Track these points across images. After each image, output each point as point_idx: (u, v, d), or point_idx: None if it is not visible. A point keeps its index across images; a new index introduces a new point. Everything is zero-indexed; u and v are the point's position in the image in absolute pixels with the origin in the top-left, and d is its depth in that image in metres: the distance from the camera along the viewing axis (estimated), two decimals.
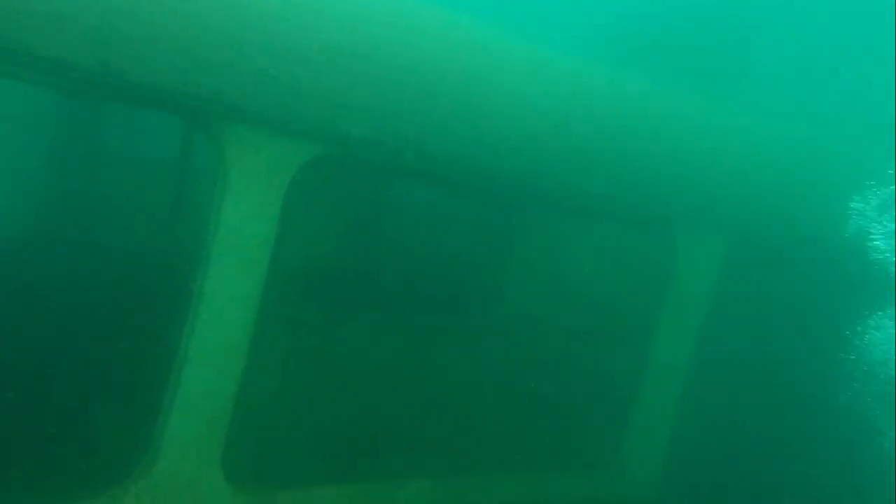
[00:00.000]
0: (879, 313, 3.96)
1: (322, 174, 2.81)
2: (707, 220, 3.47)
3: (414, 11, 2.69)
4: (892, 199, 3.96)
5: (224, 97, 2.10)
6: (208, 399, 2.26)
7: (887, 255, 4.10)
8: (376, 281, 2.89)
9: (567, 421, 3.37)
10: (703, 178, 3.36)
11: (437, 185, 3.04)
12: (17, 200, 3.36)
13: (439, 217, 3.22)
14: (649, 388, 3.52)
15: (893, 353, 4.03)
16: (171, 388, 2.18)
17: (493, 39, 2.92)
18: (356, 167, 2.76)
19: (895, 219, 4.10)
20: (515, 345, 3.16)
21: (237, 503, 2.39)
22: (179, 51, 2.00)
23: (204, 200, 2.28)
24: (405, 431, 2.86)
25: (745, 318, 3.70)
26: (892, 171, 3.89)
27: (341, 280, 2.85)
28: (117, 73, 1.91)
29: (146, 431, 2.18)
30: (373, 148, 2.53)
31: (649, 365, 3.49)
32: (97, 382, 2.80)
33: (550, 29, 6.44)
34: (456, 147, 2.65)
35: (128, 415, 2.61)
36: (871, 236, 4.13)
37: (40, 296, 2.97)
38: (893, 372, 4.20)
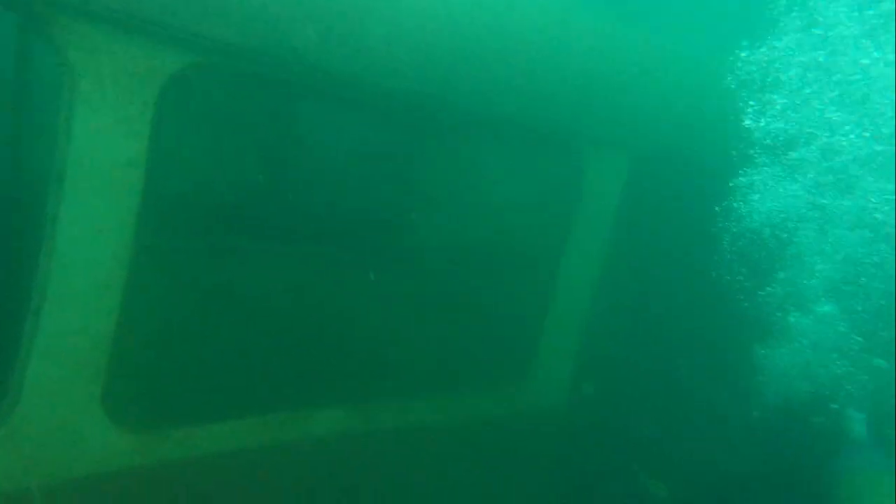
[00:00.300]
0: None
1: (202, 88, 2.53)
2: (612, 139, 3.37)
3: None
4: None
5: None
6: (79, 337, 2.07)
7: None
8: (271, 207, 2.68)
9: (477, 341, 3.29)
10: (608, 96, 3.24)
11: (332, 105, 2.80)
12: None
13: (337, 139, 2.98)
14: (558, 306, 3.49)
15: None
16: (31, 328, 1.98)
17: None
18: (242, 81, 2.50)
19: None
20: (422, 270, 3.02)
21: (125, 444, 2.23)
22: None
23: (53, 115, 2.00)
24: (311, 362, 2.72)
25: (649, 236, 3.66)
26: None
27: (232, 206, 2.62)
28: None
29: (3, 375, 1.99)
30: (257, 58, 2.26)
31: (558, 283, 3.43)
32: None
33: None
34: (350, 63, 2.40)
35: None
36: None
37: None
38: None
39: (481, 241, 3.27)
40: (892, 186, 3.22)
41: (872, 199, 3.53)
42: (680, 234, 3.93)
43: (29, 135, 2.63)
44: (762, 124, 3.54)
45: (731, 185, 3.67)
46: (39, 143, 2.49)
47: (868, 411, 2.95)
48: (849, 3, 3.32)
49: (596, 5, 3.31)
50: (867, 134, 3.34)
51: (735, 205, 3.67)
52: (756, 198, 3.62)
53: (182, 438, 2.31)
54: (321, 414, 2.71)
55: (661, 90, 3.43)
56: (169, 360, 2.38)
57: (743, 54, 3.46)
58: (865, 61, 3.32)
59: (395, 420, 3.04)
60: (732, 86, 3.42)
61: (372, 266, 2.79)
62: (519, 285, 3.40)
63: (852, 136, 3.38)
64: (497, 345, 3.49)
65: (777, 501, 2.99)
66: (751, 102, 3.49)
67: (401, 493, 3.09)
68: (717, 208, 3.70)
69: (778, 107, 3.53)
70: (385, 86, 2.47)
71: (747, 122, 3.48)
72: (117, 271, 2.11)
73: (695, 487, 3.34)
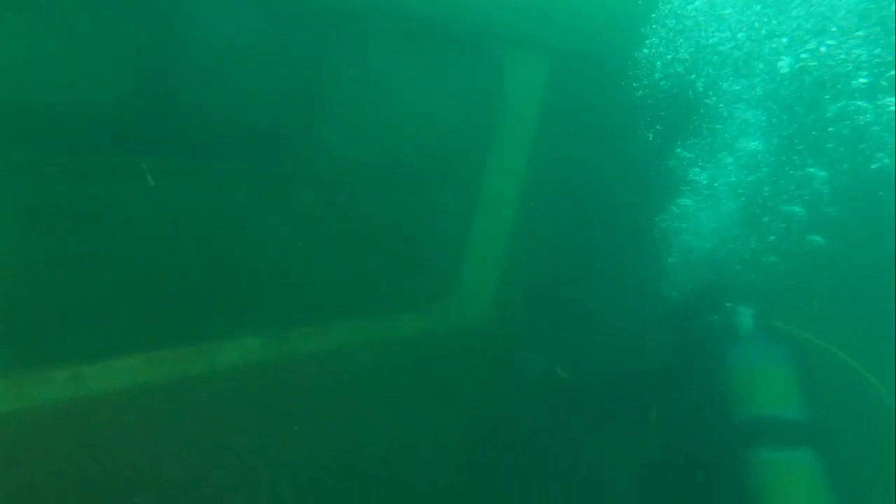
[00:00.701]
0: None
1: None
2: (532, 38, 3.19)
3: None
4: None
5: None
6: None
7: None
8: (157, 119, 2.34)
9: (396, 260, 3.14)
10: None
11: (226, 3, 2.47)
12: None
13: (232, 43, 2.65)
14: (481, 221, 3.38)
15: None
16: None
17: None
18: None
19: None
20: (333, 186, 2.79)
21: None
22: None
23: None
24: (217, 290, 2.48)
25: (573, 139, 3.58)
26: None
27: (112, 118, 2.27)
28: None
29: None
30: None
31: (480, 197, 3.31)
32: None
33: None
34: None
35: None
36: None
37: None
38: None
39: (395, 154, 3.06)
40: None
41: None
42: (607, 142, 3.86)
43: None
44: None
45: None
46: None
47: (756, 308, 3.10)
48: None
49: None
50: None
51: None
52: None
53: (68, 378, 2.05)
54: (232, 344, 2.49)
55: None
56: (45, 295, 2.08)
57: None
58: None
59: (315, 345, 2.86)
60: None
61: (275, 183, 2.54)
62: (437, 200, 3.24)
63: None
64: (417, 263, 3.34)
65: (668, 387, 3.14)
66: None
67: (323, 420, 2.94)
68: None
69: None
70: None
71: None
72: None
73: (593, 374, 3.64)
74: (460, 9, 2.90)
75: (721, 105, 3.76)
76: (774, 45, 3.57)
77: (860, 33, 3.32)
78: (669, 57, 3.66)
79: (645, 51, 3.61)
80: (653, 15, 3.50)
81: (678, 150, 3.91)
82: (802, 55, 3.56)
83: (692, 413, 2.92)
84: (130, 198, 2.26)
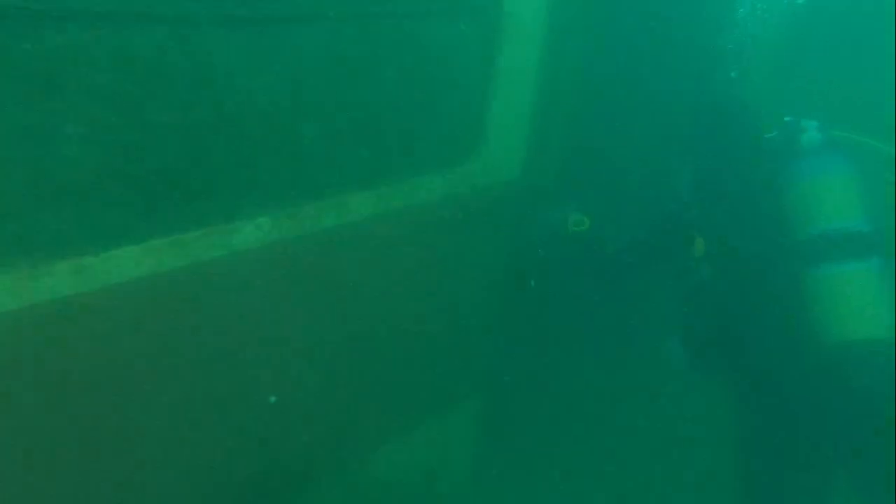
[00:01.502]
0: None
1: None
2: None
3: None
4: None
5: None
6: None
7: None
8: None
9: (414, 118, 2.84)
10: None
11: None
12: None
13: None
14: (505, 69, 3.00)
15: None
16: None
17: None
18: None
19: None
20: (333, 33, 2.41)
21: None
22: None
23: None
24: (222, 168, 2.24)
25: None
26: None
27: None
28: None
29: None
30: None
31: (503, 40, 2.91)
32: None
33: None
34: None
35: None
36: None
37: None
38: None
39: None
40: None
41: None
42: None
43: None
44: None
45: None
46: None
47: None
48: None
49: None
50: None
51: None
52: None
53: (71, 271, 1.91)
54: (247, 224, 2.31)
55: None
56: (40, 182, 1.88)
57: None
58: None
59: (332, 218, 2.67)
60: None
61: (264, 30, 2.18)
62: (455, 44, 2.85)
63: None
64: (438, 121, 3.04)
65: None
66: None
67: (343, 297, 2.84)
68: None
69: None
70: None
71: None
72: None
73: (610, 222, 3.63)
74: None
75: None
76: None
77: None
78: None
79: None
80: None
81: None
82: None
83: (747, 235, 2.84)
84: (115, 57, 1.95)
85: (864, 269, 2.57)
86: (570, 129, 3.64)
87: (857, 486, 2.66)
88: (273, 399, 2.62)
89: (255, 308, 2.40)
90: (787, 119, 2.97)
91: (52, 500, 2.08)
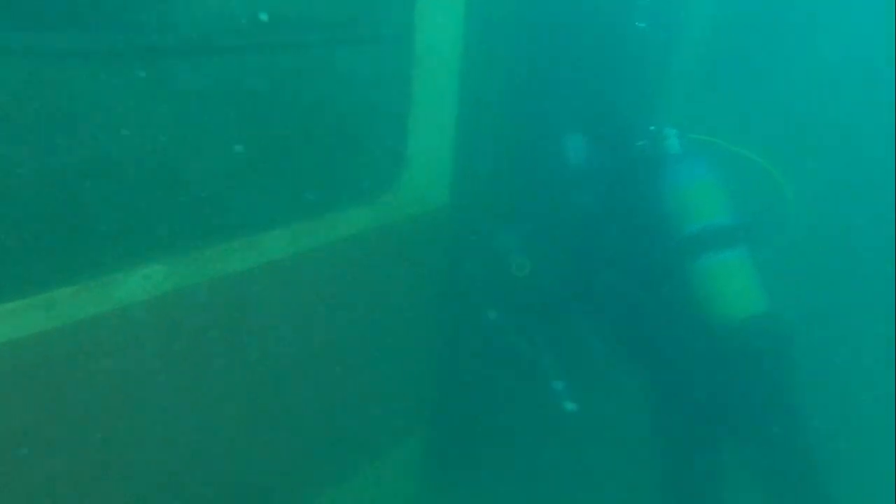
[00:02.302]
0: None
1: None
2: None
3: None
4: None
5: None
6: None
7: None
8: None
9: (329, 155, 2.67)
10: None
11: None
12: None
13: None
14: (422, 91, 2.86)
15: None
16: None
17: None
18: None
19: None
20: (224, 66, 2.22)
21: None
22: None
23: None
24: (97, 215, 2.01)
25: None
26: None
27: None
28: None
29: None
30: None
31: (415, 61, 2.77)
32: None
33: None
34: None
35: None
36: None
37: None
38: None
39: (296, 15, 2.43)
40: None
41: None
42: None
43: None
44: None
45: None
46: None
47: None
48: None
49: None
50: None
51: None
52: None
53: None
54: (133, 275, 2.08)
55: None
56: None
57: None
58: None
59: (238, 262, 2.46)
60: None
61: (148, 63, 1.97)
62: (367, 72, 2.69)
63: None
64: (354, 151, 2.87)
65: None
66: None
67: (269, 336, 2.62)
68: None
69: None
70: None
71: None
72: None
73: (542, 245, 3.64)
74: None
75: None
76: None
77: None
78: None
79: None
80: None
81: None
82: None
83: (635, 238, 3.23)
84: None
85: (736, 257, 3.01)
86: (495, 147, 3.52)
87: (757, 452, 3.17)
88: (174, 468, 2.36)
89: (146, 367, 2.16)
90: (651, 128, 3.30)
91: None
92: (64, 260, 1.91)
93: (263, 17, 2.16)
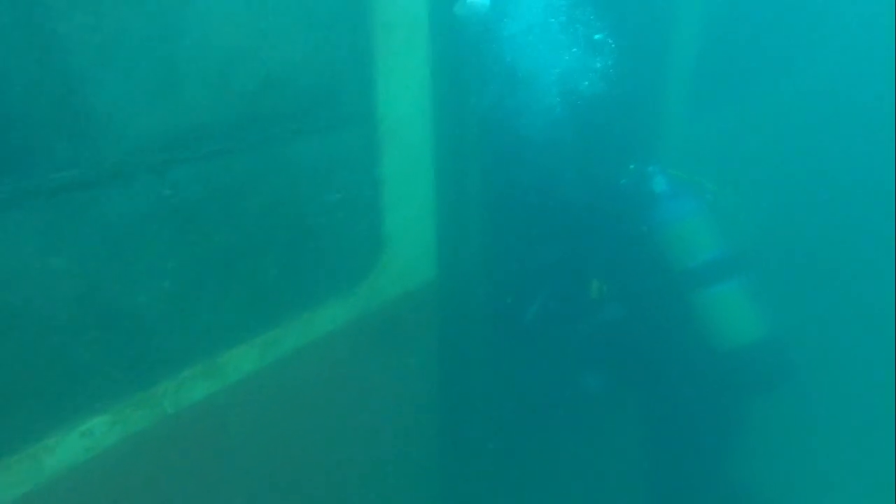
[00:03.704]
0: None
1: None
2: None
3: None
4: None
5: None
6: None
7: None
8: None
9: (295, 253, 2.42)
10: None
11: None
12: None
13: None
14: (393, 169, 2.62)
15: None
16: None
17: None
18: None
19: None
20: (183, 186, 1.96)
21: None
22: None
23: None
24: (22, 369, 1.76)
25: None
26: None
27: None
28: None
29: None
30: None
31: (382, 137, 2.53)
32: None
33: None
34: None
35: None
36: None
37: None
38: None
39: (239, 112, 2.18)
40: None
41: None
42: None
43: None
44: None
45: None
46: None
47: None
48: None
49: None
50: None
51: None
52: None
53: None
54: (61, 439, 1.82)
55: None
56: None
57: None
58: None
59: (204, 389, 2.20)
60: None
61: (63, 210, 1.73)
62: (324, 158, 2.44)
63: None
64: (325, 242, 2.61)
65: None
66: None
67: (240, 463, 2.35)
68: None
69: None
70: None
71: None
72: None
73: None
74: None
75: None
76: None
77: None
78: None
79: None
80: None
81: None
82: None
83: (634, 273, 3.30)
84: None
85: (734, 287, 3.13)
86: (481, 213, 3.26)
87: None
88: None
89: None
90: (632, 166, 3.40)
91: None
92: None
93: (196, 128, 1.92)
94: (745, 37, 4.95)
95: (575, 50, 3.36)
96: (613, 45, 3.38)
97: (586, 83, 3.40)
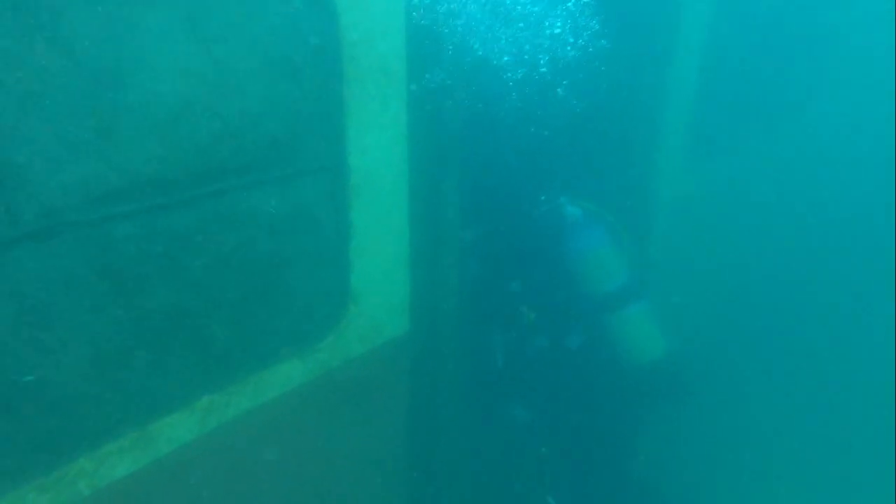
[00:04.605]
0: None
1: None
2: None
3: None
4: None
5: None
6: None
7: None
8: None
9: (246, 309, 2.22)
10: None
11: None
12: None
13: None
14: (365, 218, 2.43)
15: None
16: None
17: None
18: None
19: None
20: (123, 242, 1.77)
21: None
22: None
23: None
24: None
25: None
26: None
27: None
28: None
29: None
30: None
31: (351, 186, 2.34)
32: None
33: None
34: None
35: None
36: None
37: None
38: None
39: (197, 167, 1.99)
40: None
41: None
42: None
43: None
44: None
45: None
46: None
47: None
48: None
49: None
50: None
51: None
52: None
53: None
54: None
55: None
56: None
57: None
58: None
59: (127, 465, 1.99)
60: None
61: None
62: (286, 208, 2.24)
63: None
64: (282, 297, 2.41)
65: None
66: None
67: None
68: None
69: None
70: None
71: None
72: None
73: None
74: None
75: None
76: None
77: None
78: None
79: None
80: None
81: None
82: None
83: (557, 299, 3.50)
84: None
85: (639, 311, 3.39)
86: (462, 265, 3.06)
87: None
88: None
89: None
90: (542, 198, 3.53)
91: None
92: None
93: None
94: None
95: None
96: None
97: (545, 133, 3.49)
